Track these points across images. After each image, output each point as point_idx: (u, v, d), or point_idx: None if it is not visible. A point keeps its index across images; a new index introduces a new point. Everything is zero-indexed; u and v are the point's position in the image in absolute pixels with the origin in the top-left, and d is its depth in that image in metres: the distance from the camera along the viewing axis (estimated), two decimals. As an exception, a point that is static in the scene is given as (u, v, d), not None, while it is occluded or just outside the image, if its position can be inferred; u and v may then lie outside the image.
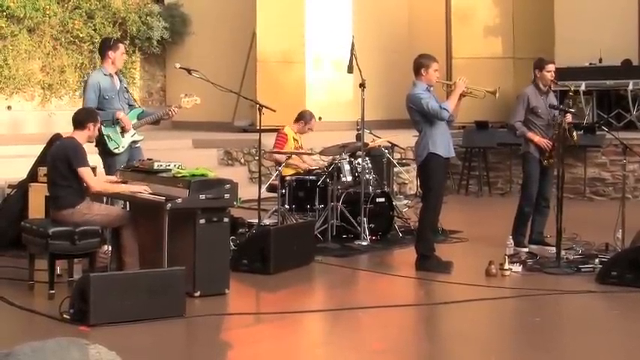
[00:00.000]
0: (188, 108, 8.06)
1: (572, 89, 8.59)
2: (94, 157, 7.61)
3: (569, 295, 6.75)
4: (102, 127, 7.65)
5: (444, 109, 7.43)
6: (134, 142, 7.96)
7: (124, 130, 7.85)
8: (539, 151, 8.22)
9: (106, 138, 7.76)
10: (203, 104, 8.26)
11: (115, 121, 7.81)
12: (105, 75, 7.88)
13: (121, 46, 8.03)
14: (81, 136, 6.65)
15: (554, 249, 7.70)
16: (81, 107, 7.61)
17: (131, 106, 8.15)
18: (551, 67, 8.27)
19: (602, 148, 12.26)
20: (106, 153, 7.83)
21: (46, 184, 6.92)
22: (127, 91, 8.15)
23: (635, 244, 7.46)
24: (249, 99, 9.87)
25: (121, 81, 8.04)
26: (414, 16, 16.74)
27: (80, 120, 6.70)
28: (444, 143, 7.56)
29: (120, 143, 7.83)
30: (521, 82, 13.29)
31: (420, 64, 7.60)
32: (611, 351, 5.45)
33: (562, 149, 7.89)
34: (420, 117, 7.53)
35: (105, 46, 8.06)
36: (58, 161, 6.56)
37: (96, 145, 7.77)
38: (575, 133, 8.14)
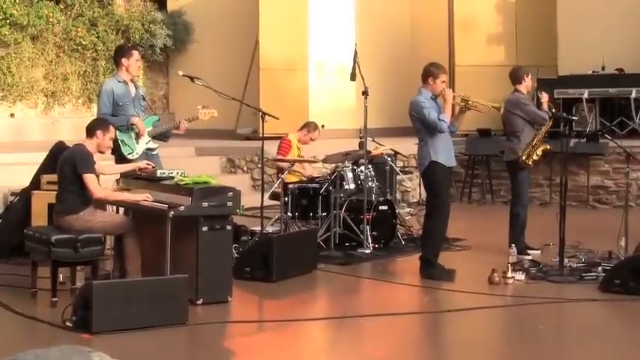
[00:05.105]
0: (205, 120, 8.03)
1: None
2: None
3: (572, 304, 6.73)
4: (117, 132, 7.59)
5: (442, 120, 7.46)
6: (150, 149, 7.88)
7: (138, 136, 7.83)
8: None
9: (120, 143, 7.69)
10: (206, 112, 8.25)
11: (130, 127, 7.76)
12: (119, 82, 7.81)
13: (135, 53, 7.94)
14: (90, 144, 6.66)
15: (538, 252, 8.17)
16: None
17: (148, 115, 8.12)
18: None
19: (605, 156, 12.24)
20: (120, 158, 7.78)
21: (48, 192, 6.91)
22: (144, 99, 8.10)
23: (639, 252, 7.45)
24: (251, 106, 9.88)
25: (137, 88, 7.99)
26: (417, 23, 16.74)
27: (90, 127, 6.74)
28: (445, 152, 7.57)
29: (134, 149, 7.77)
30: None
31: (429, 72, 7.62)
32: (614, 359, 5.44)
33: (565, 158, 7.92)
34: (421, 125, 7.55)
35: (118, 54, 8.02)
36: (66, 166, 6.58)
37: (112, 153, 7.65)
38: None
